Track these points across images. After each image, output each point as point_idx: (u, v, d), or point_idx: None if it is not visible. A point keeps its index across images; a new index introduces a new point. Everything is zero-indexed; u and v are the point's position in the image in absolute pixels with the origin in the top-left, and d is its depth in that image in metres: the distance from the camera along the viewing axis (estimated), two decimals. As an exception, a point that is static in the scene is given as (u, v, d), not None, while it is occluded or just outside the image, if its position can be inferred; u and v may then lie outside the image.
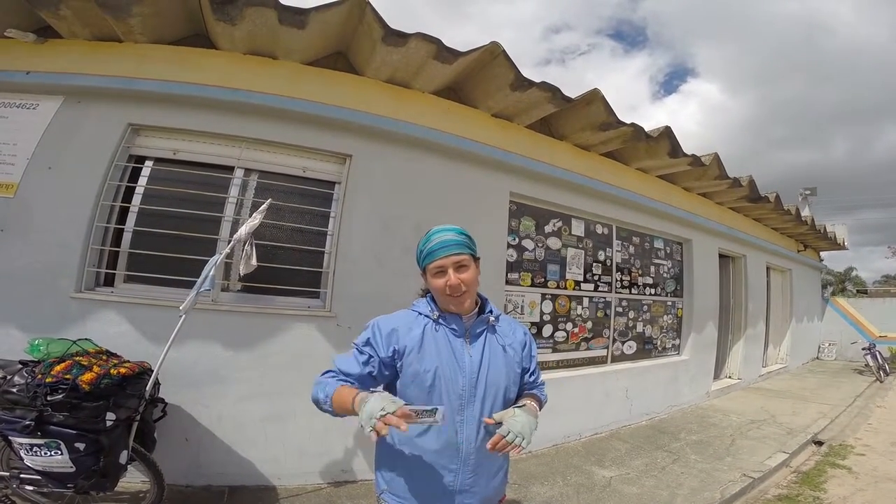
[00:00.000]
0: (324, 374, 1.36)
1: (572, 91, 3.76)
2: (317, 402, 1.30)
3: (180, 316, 2.46)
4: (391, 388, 1.39)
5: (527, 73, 3.52)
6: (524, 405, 1.31)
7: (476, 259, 1.39)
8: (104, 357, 2.40)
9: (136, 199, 3.16)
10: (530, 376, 1.49)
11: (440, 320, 1.37)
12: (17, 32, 3.00)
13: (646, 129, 4.52)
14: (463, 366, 1.32)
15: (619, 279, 5.48)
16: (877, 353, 9.44)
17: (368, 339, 1.37)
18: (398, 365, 1.34)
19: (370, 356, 1.34)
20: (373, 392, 1.16)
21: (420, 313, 1.41)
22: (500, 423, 1.24)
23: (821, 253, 12.36)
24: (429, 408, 1.12)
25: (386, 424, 1.03)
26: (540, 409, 1.44)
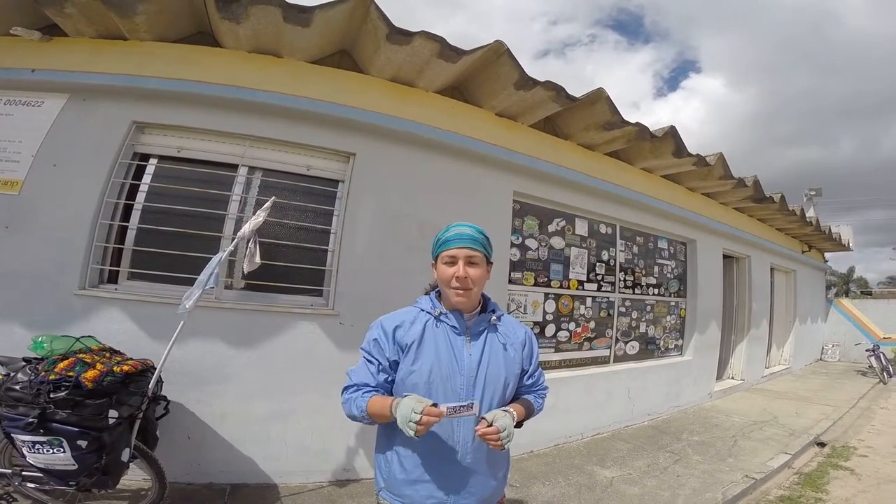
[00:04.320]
0: (345, 389, 1.37)
1: (572, 87, 3.71)
2: (353, 419, 1.33)
3: (183, 313, 2.46)
4: None
5: (522, 63, 3.45)
6: (507, 410, 1.29)
7: (489, 262, 1.40)
8: (107, 354, 2.41)
9: (140, 197, 3.16)
10: (528, 378, 1.47)
11: (441, 317, 1.37)
12: (23, 30, 3.00)
13: (650, 129, 4.50)
14: (462, 364, 1.32)
15: (622, 279, 5.46)
16: (881, 354, 9.42)
17: (375, 338, 1.36)
18: (400, 359, 1.34)
19: (380, 363, 1.35)
20: (404, 396, 1.21)
21: (422, 309, 1.40)
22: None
23: (825, 254, 12.29)
24: (464, 403, 1.20)
25: (424, 425, 1.11)
26: (530, 416, 1.44)
